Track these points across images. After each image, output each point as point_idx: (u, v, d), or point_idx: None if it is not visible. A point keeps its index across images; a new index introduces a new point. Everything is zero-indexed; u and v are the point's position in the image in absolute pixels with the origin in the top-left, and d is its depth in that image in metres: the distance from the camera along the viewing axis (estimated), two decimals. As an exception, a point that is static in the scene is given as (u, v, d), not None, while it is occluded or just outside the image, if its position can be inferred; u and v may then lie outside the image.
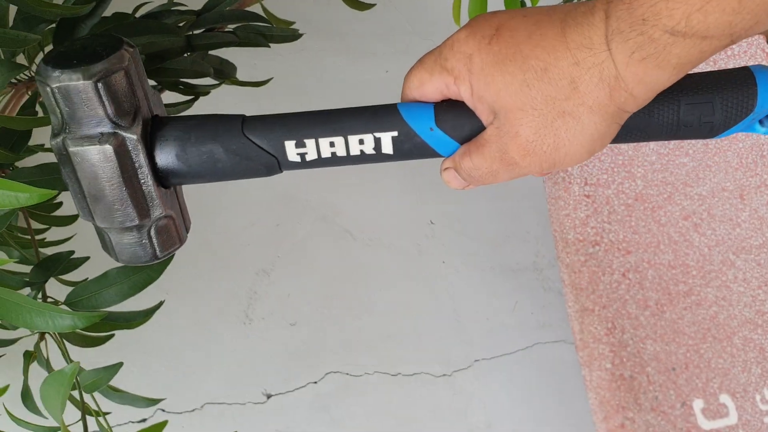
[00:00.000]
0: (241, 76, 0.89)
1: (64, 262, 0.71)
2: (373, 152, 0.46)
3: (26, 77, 0.76)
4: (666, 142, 1.34)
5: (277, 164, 0.47)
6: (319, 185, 1.42)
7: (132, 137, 0.44)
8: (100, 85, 0.42)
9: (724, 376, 1.28)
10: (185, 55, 0.82)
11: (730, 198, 1.33)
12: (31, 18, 0.65)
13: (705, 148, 1.34)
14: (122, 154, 0.43)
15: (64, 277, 0.75)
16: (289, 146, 0.46)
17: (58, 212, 0.85)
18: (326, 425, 1.31)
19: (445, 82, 0.44)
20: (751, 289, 1.31)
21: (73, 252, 0.70)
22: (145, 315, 0.73)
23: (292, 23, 0.96)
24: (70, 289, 0.69)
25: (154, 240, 0.47)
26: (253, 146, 0.46)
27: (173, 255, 0.51)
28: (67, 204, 0.87)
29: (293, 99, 1.42)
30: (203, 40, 0.82)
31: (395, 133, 0.46)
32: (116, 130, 0.43)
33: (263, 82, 0.92)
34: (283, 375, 1.31)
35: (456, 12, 1.00)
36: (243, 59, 0.97)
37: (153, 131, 0.46)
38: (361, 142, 0.46)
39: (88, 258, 0.73)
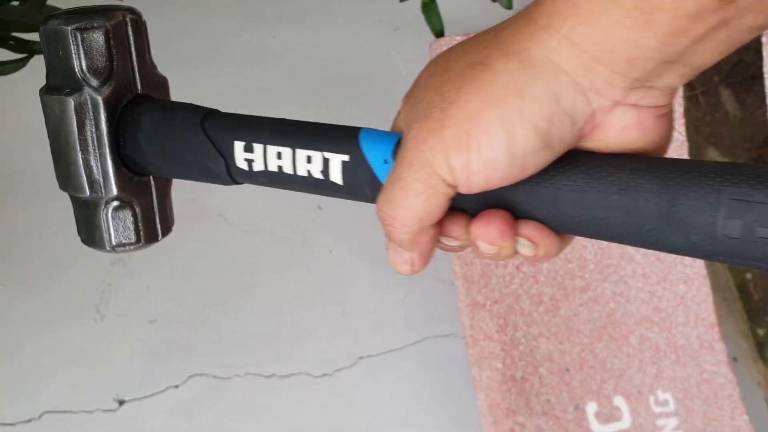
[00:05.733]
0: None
1: None
2: (321, 176, 0.40)
3: None
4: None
5: (226, 168, 0.42)
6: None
7: (96, 98, 0.42)
8: (77, 34, 0.41)
9: (618, 377, 1.22)
10: (14, 3, 0.72)
11: (631, 188, 1.26)
12: None
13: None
14: (81, 111, 0.42)
15: None
16: (238, 148, 0.42)
17: None
18: (190, 434, 1.17)
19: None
20: (649, 285, 1.25)
21: None
22: None
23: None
24: None
25: (109, 225, 0.45)
26: (205, 141, 0.42)
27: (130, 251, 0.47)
28: None
29: (173, 62, 1.25)
30: (39, -15, 0.70)
31: (346, 158, 0.39)
32: (83, 87, 0.42)
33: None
34: (139, 378, 1.16)
35: None
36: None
37: (127, 107, 0.44)
38: (309, 160, 0.40)
39: None
